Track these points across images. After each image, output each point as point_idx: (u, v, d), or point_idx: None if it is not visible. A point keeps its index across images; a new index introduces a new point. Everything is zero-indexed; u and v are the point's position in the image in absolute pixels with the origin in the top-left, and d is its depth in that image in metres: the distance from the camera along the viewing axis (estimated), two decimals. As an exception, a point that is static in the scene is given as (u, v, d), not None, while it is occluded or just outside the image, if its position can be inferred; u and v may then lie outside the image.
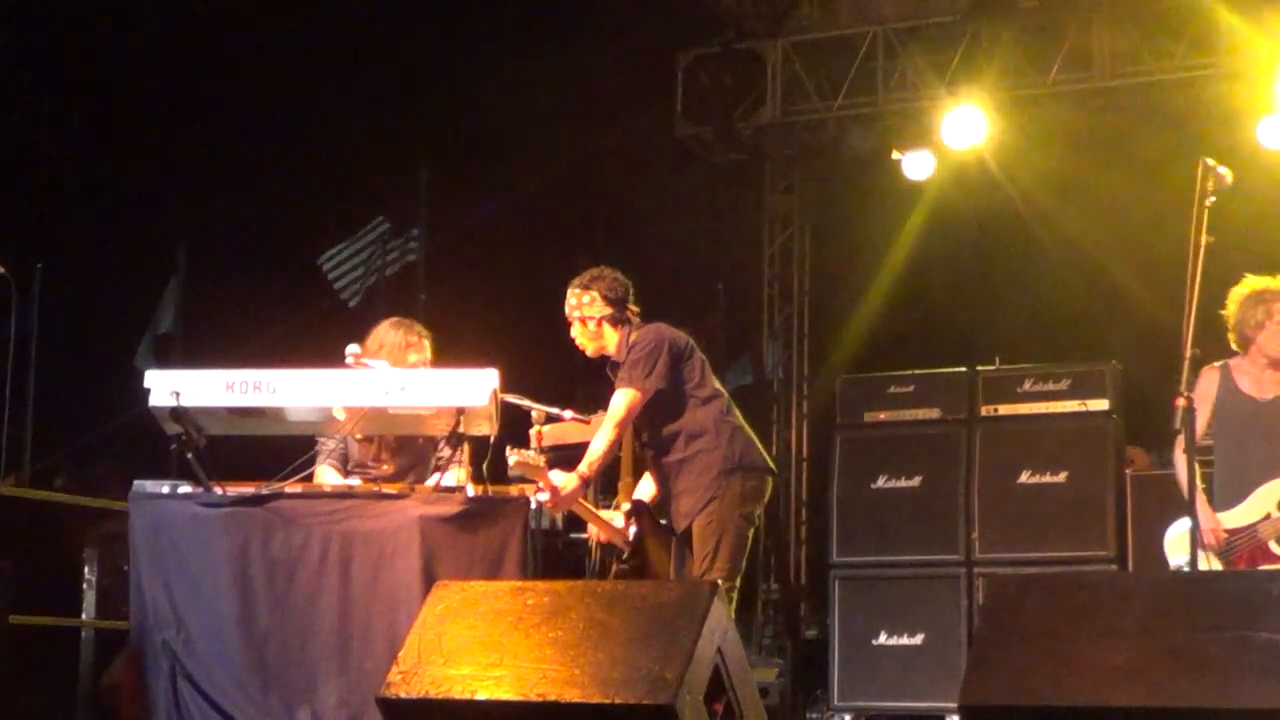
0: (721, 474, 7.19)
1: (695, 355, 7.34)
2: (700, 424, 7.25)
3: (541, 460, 6.82)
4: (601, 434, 7.05)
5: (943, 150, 11.89)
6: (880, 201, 12.53)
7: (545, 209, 12.75)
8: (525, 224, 12.69)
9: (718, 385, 7.43)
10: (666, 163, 13.12)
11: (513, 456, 6.70)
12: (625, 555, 7.27)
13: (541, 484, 6.85)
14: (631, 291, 7.38)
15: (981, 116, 11.68)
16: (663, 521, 7.43)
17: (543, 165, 12.69)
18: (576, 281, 7.36)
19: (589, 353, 7.39)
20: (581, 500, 7.11)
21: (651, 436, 7.32)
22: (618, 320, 7.32)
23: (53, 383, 9.12)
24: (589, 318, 7.31)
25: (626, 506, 7.33)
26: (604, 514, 7.36)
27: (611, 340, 7.32)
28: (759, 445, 7.39)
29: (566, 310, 7.36)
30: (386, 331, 7.55)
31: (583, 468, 6.97)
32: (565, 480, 6.90)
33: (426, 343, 7.56)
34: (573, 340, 7.42)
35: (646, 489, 7.47)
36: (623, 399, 7.13)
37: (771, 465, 7.41)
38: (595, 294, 7.30)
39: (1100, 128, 11.75)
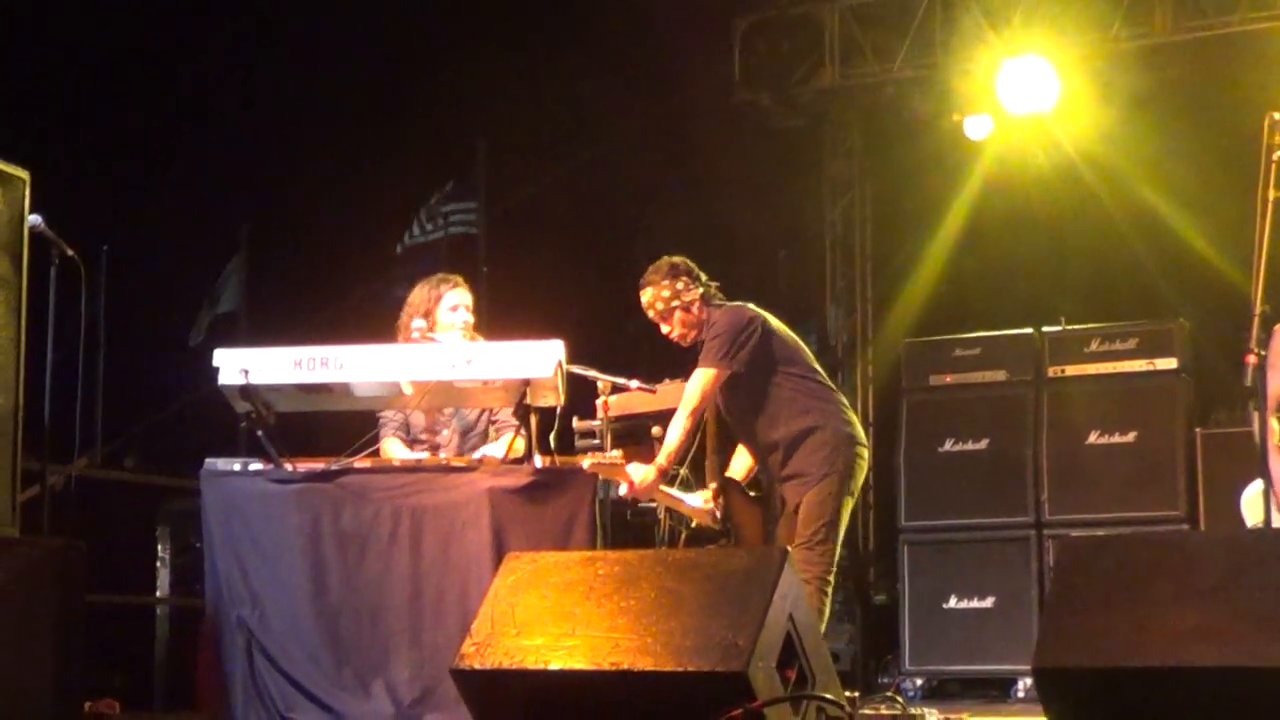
0: (834, 450, 7.20)
1: (776, 332, 7.34)
2: (803, 402, 7.26)
3: (618, 457, 6.86)
4: (677, 422, 7.07)
5: (1003, 111, 11.81)
6: (941, 163, 12.46)
7: (604, 180, 12.73)
8: (584, 194, 12.68)
9: (813, 362, 7.43)
10: (725, 130, 13.08)
11: (586, 460, 6.74)
12: (717, 532, 7.29)
13: (619, 479, 6.90)
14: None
15: (1042, 76, 11.59)
16: (753, 494, 7.46)
17: (602, 136, 12.68)
18: (657, 276, 7.31)
19: (688, 341, 7.38)
20: (661, 489, 7.14)
21: (745, 415, 7.30)
22: (709, 298, 7.34)
23: (122, 364, 9.18)
24: (691, 302, 7.30)
25: (714, 485, 7.34)
26: (687, 496, 7.36)
27: (704, 319, 7.33)
28: (855, 420, 7.40)
29: (660, 307, 7.30)
30: (416, 293, 7.58)
31: (660, 459, 7.01)
32: (644, 473, 6.93)
33: (464, 288, 7.56)
34: (667, 337, 7.39)
35: (739, 465, 7.49)
36: (698, 381, 7.13)
37: (864, 440, 7.44)
38: (685, 278, 7.29)
39: (1163, 84, 11.64)
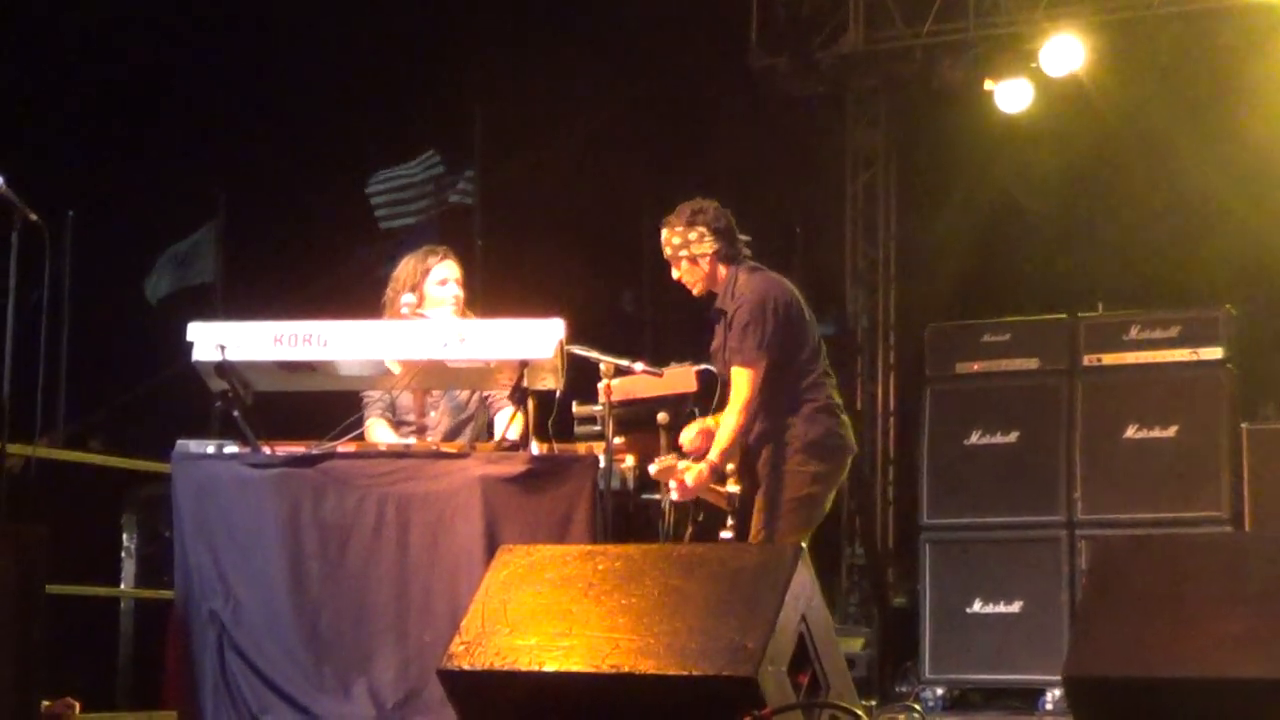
0: (803, 448, 7.21)
1: (804, 314, 7.35)
2: (799, 395, 7.25)
3: (674, 459, 6.92)
4: (728, 420, 7.06)
5: (1039, 79, 11.78)
6: (971, 135, 12.44)
7: (609, 149, 12.72)
8: (588, 165, 12.67)
9: (820, 347, 7.42)
10: (740, 97, 13.07)
11: (652, 466, 6.84)
12: (729, 520, 7.29)
13: (675, 480, 6.93)
14: (734, 222, 7.39)
15: (1080, 42, 11.57)
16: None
17: (606, 102, 12.67)
18: (676, 219, 7.33)
19: (697, 292, 7.40)
20: (711, 485, 7.15)
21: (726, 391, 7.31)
22: (730, 256, 7.33)
23: (88, 337, 9.18)
24: (701, 255, 7.30)
25: (730, 467, 7.32)
26: (732, 488, 7.36)
27: (722, 276, 7.33)
28: (846, 422, 7.38)
29: (669, 251, 7.33)
30: (401, 268, 7.57)
31: (712, 455, 7.02)
32: (694, 473, 6.95)
33: (453, 260, 7.54)
34: (678, 281, 7.41)
35: None
36: (744, 381, 7.14)
37: (853, 446, 7.41)
38: (701, 229, 7.29)
39: (1210, 51, 11.61)
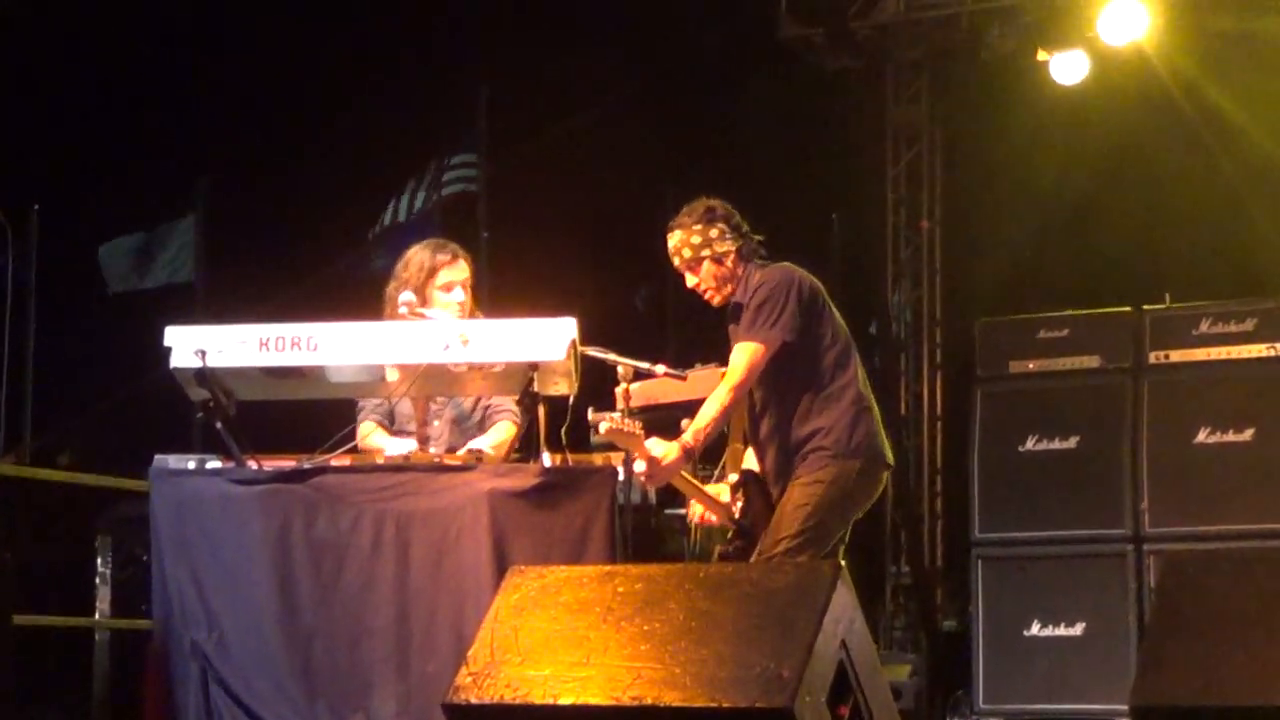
0: (833, 457, 7.17)
1: (828, 307, 7.31)
2: (826, 395, 7.23)
3: (637, 427, 6.80)
4: (715, 397, 7.01)
5: (1098, 49, 11.77)
6: (1024, 111, 12.44)
7: (627, 130, 12.73)
8: (603, 148, 12.68)
9: (851, 347, 7.40)
10: (769, 72, 13.08)
11: (603, 423, 6.70)
12: (730, 534, 7.27)
13: (637, 455, 6.84)
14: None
15: (1143, 7, 11.56)
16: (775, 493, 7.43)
17: (622, 78, 12.68)
18: (689, 219, 7.28)
19: (719, 299, 7.32)
20: (684, 474, 7.10)
21: (765, 398, 7.28)
22: (749, 254, 7.31)
23: (56, 343, 9.21)
24: (724, 254, 7.26)
25: (734, 478, 7.31)
26: (710, 488, 7.35)
27: (740, 276, 7.30)
28: (883, 432, 7.36)
29: (688, 254, 7.27)
30: (406, 262, 7.57)
31: (687, 436, 6.93)
32: (665, 450, 6.88)
33: (463, 262, 7.55)
34: (694, 290, 7.37)
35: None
36: (742, 355, 7.09)
37: (890, 458, 7.39)
38: (720, 225, 7.27)
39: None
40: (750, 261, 7.31)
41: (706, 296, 7.34)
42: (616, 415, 6.83)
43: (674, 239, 7.31)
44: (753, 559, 7.10)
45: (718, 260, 7.26)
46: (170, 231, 12.26)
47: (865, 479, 7.23)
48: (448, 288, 7.46)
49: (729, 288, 7.27)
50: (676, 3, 12.62)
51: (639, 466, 6.85)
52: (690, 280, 7.34)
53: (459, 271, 7.50)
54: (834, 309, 7.36)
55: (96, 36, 12.22)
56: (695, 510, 7.48)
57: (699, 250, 7.25)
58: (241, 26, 12.38)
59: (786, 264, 7.33)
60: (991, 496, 10.64)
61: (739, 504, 7.29)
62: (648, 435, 6.90)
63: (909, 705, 10.72)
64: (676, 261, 7.33)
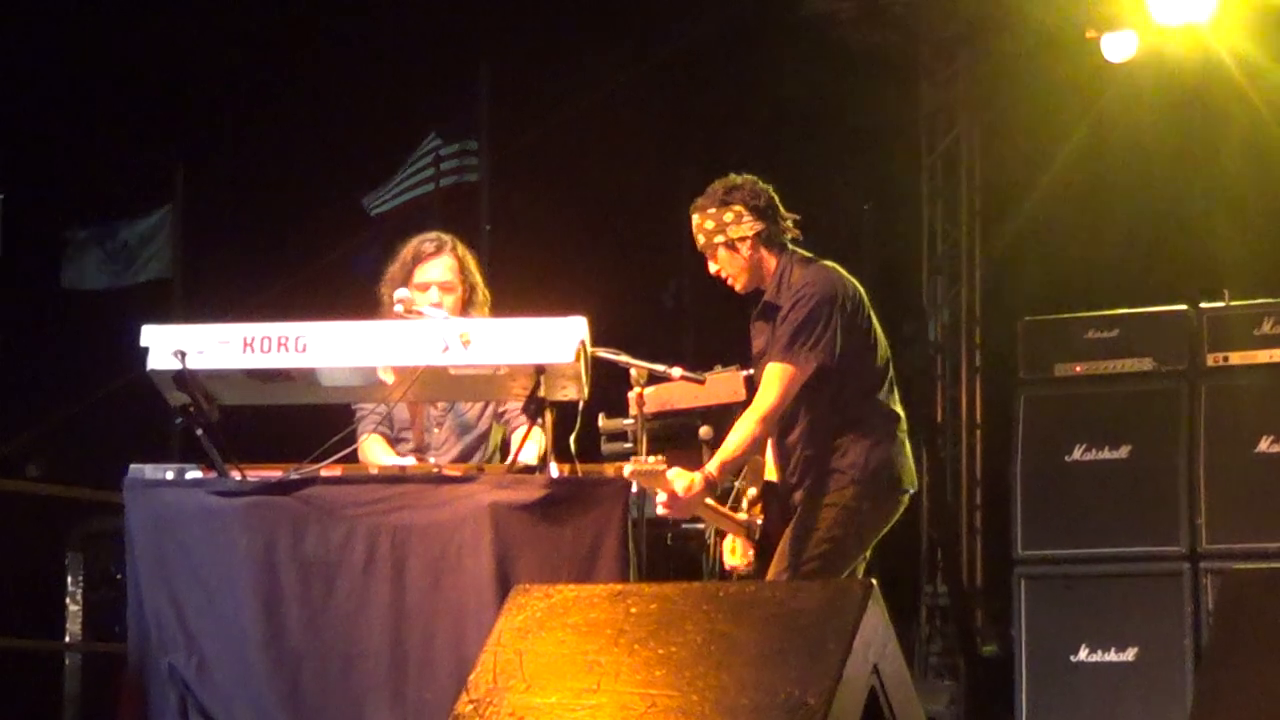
0: (851, 481, 7.19)
1: (871, 319, 7.32)
2: (854, 414, 7.24)
3: (661, 464, 6.80)
4: (743, 426, 7.01)
5: (1151, 26, 11.77)
6: (1071, 93, 12.45)
7: (640, 113, 12.75)
8: (615, 133, 12.70)
9: (889, 362, 7.41)
10: (794, 49, 13.08)
11: (628, 466, 6.70)
12: (750, 552, 7.28)
13: (658, 489, 6.85)
14: (778, 202, 7.36)
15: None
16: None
17: (635, 57, 12.69)
18: (707, 201, 7.30)
19: (740, 286, 7.33)
20: (706, 502, 7.10)
21: (792, 410, 7.28)
22: (773, 241, 7.30)
23: (22, 343, 9.22)
24: (740, 239, 7.25)
25: (754, 492, 7.32)
26: (740, 516, 7.34)
27: (769, 267, 7.30)
28: (908, 452, 7.37)
29: (702, 239, 7.29)
30: (399, 253, 7.58)
31: (711, 467, 6.94)
32: (687, 482, 6.88)
33: (449, 257, 7.55)
34: (717, 276, 7.38)
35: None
36: (776, 379, 7.08)
37: (913, 481, 7.41)
38: (738, 208, 7.26)
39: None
40: (782, 251, 7.31)
41: (728, 283, 7.36)
42: (641, 457, 6.83)
43: (694, 221, 7.34)
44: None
45: (731, 247, 7.26)
46: (143, 223, 12.28)
47: (881, 504, 7.26)
48: (422, 287, 7.47)
49: (749, 275, 7.29)
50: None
51: (659, 498, 6.87)
52: (711, 266, 7.37)
53: (439, 270, 7.50)
54: (875, 318, 7.36)
55: (64, 8, 12.24)
56: (728, 550, 7.46)
57: (712, 236, 7.26)
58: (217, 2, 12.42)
59: (829, 266, 7.33)
60: (1035, 510, 10.64)
61: (759, 519, 7.29)
62: (664, 444, 6.92)
63: (946, 736, 10.74)
64: (697, 244, 7.36)
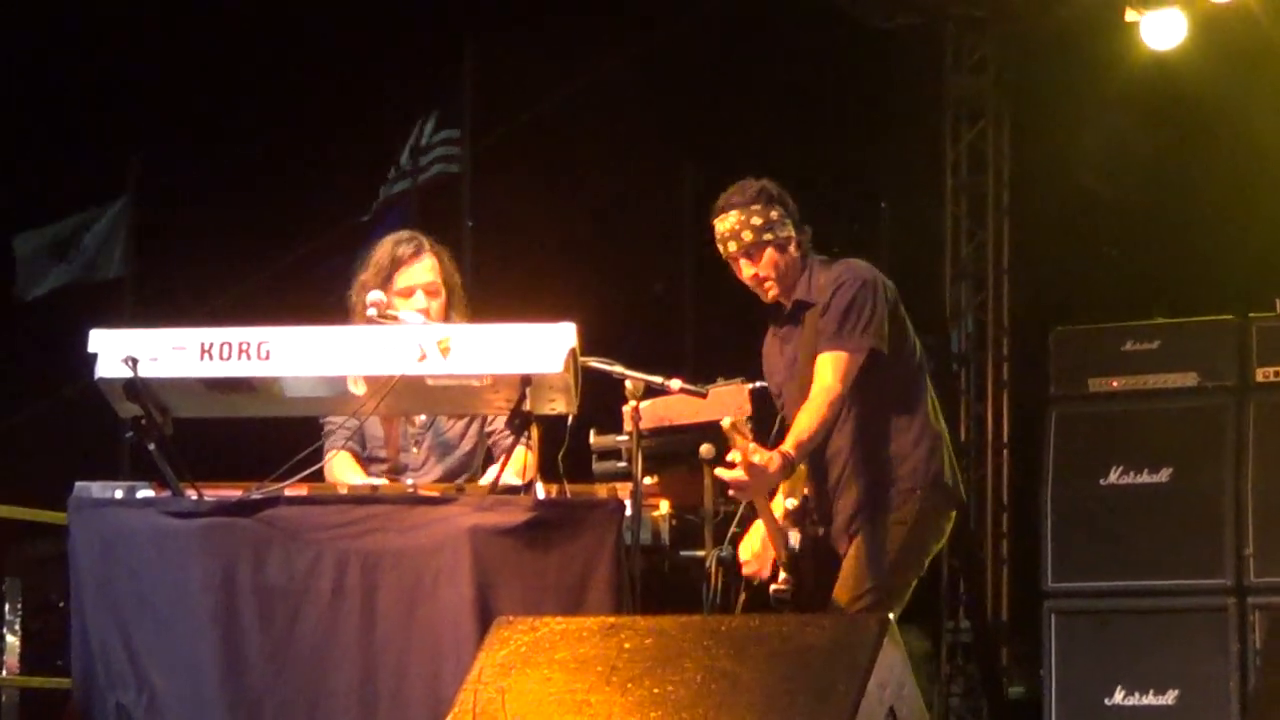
0: (912, 490, 7.21)
1: (902, 312, 7.35)
2: (902, 416, 7.26)
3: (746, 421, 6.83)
4: (812, 409, 6.98)
5: (1196, 7, 11.79)
6: (1109, 82, 12.47)
7: (637, 100, 12.77)
8: (608, 122, 12.71)
9: (925, 363, 7.44)
10: (808, 34, 13.10)
11: (726, 419, 6.71)
12: (779, 574, 7.27)
13: (739, 460, 6.80)
14: None
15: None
16: (823, 531, 7.44)
17: (631, 40, 12.71)
18: (740, 198, 7.29)
19: (776, 292, 7.33)
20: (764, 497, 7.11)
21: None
22: (808, 247, 7.35)
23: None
24: (787, 240, 7.28)
25: (792, 503, 7.28)
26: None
27: (799, 271, 7.32)
28: (955, 461, 7.40)
29: (746, 238, 7.25)
30: (367, 262, 7.58)
31: (788, 446, 6.91)
32: (767, 457, 6.88)
33: (430, 259, 7.55)
34: (753, 280, 7.37)
35: None
36: (831, 368, 7.09)
37: (964, 494, 7.44)
38: (779, 209, 7.29)
39: None
40: (808, 255, 7.35)
41: (765, 288, 7.34)
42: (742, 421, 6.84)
43: (729, 220, 7.30)
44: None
45: (781, 247, 7.27)
46: (97, 218, 12.28)
47: (941, 518, 7.30)
48: (406, 293, 7.47)
49: (790, 278, 7.29)
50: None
51: (732, 475, 6.81)
52: (747, 270, 7.33)
53: (422, 272, 7.51)
54: (907, 316, 7.40)
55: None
56: (747, 547, 7.45)
57: (761, 233, 7.25)
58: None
59: (854, 261, 7.36)
60: (1067, 539, 10.66)
61: (797, 535, 7.28)
62: (662, 463, 6.93)
63: (969, 785, 10.76)
64: (732, 247, 7.32)
